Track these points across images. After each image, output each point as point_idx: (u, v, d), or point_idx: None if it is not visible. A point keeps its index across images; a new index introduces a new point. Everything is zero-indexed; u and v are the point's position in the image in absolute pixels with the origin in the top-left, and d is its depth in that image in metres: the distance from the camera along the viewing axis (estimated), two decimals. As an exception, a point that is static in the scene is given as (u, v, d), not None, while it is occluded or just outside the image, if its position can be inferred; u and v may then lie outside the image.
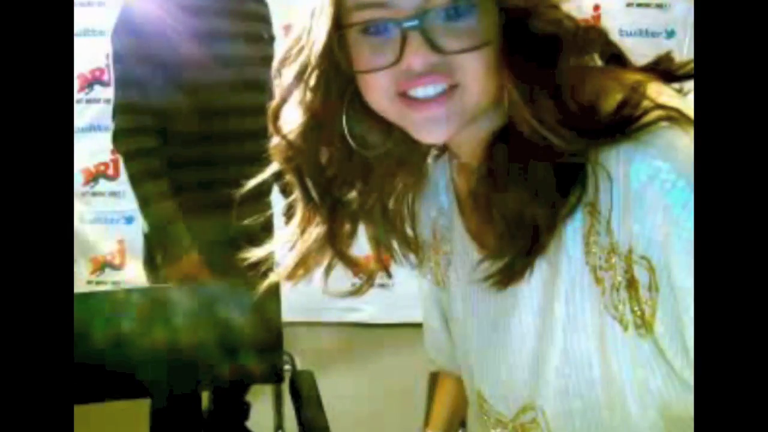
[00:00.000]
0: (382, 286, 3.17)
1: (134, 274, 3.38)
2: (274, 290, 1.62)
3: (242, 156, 1.88)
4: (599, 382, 0.70)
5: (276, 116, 0.73)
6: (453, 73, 0.64)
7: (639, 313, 0.65)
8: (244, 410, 2.25)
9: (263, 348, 1.60)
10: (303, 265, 0.80)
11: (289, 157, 0.75)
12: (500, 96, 0.66)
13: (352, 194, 0.78)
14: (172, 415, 1.88)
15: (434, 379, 1.13)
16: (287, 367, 1.65)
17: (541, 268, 0.70)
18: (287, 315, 1.66)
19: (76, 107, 3.19)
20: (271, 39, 2.02)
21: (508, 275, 0.70)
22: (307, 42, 0.67)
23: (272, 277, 0.83)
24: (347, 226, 0.80)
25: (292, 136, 0.73)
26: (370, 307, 3.15)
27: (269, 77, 1.94)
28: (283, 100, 0.72)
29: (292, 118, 0.72)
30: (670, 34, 3.12)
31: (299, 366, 1.69)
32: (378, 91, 0.66)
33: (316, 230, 0.78)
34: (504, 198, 0.68)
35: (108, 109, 3.28)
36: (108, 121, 3.26)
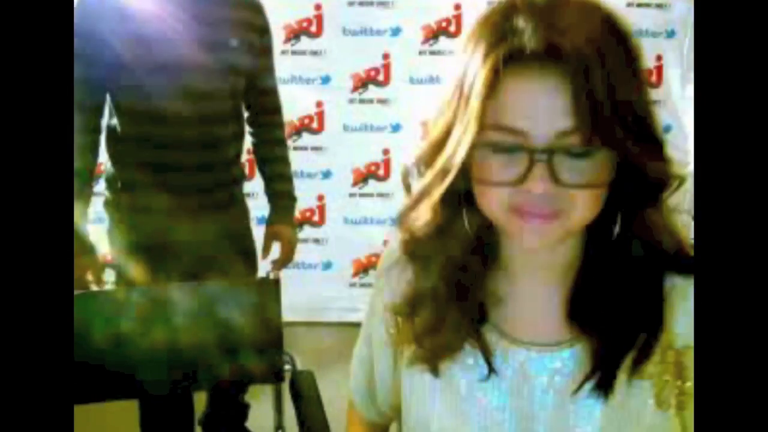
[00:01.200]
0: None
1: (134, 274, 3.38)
2: (274, 290, 1.62)
3: (188, 164, 1.85)
4: None
5: (407, 213, 0.80)
6: (565, 200, 0.70)
7: (682, 396, 0.78)
8: (243, 411, 2.24)
9: (263, 348, 1.60)
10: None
11: (412, 251, 0.83)
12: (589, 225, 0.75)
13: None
14: (161, 415, 1.88)
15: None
16: (287, 367, 1.65)
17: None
18: (287, 315, 1.66)
19: (76, 107, 3.20)
20: (250, 46, 1.88)
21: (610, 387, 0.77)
22: (447, 149, 0.72)
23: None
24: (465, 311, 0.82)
25: (419, 234, 0.80)
26: (370, 307, 3.15)
27: (226, 86, 1.87)
28: (418, 201, 0.78)
29: (421, 216, 0.78)
30: (670, 34, 3.11)
31: (299, 366, 1.69)
32: (494, 201, 0.72)
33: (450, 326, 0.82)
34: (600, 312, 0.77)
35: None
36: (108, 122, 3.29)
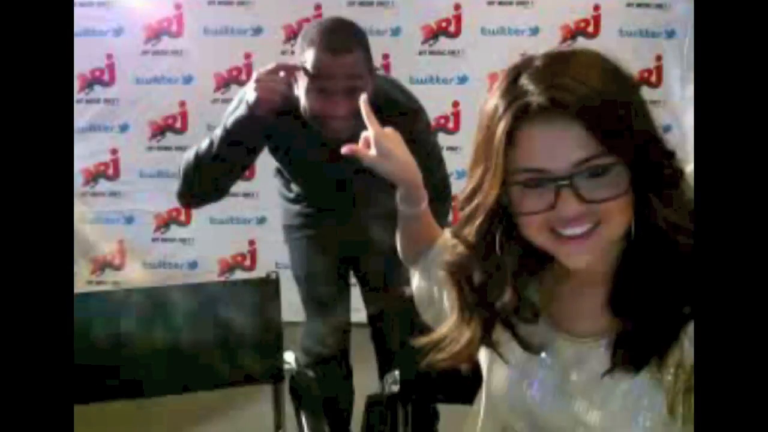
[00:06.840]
0: (382, 286, 3.18)
1: (134, 274, 3.38)
2: (274, 290, 1.62)
3: None
4: None
5: (457, 235, 0.93)
6: (597, 215, 0.82)
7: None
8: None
9: (263, 348, 1.61)
10: (455, 359, 0.96)
11: (454, 270, 0.94)
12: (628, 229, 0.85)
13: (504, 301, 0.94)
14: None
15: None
16: (287, 367, 1.65)
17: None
18: (287, 315, 1.66)
19: (76, 107, 3.19)
20: None
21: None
22: (481, 192, 0.87)
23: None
24: (499, 331, 0.95)
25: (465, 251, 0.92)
26: (370, 307, 3.15)
27: None
28: (461, 227, 0.92)
29: (467, 237, 0.92)
30: (670, 34, 3.11)
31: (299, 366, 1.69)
32: (534, 228, 0.85)
33: (467, 334, 0.95)
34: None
35: (108, 109, 3.31)
36: (108, 121, 3.29)
